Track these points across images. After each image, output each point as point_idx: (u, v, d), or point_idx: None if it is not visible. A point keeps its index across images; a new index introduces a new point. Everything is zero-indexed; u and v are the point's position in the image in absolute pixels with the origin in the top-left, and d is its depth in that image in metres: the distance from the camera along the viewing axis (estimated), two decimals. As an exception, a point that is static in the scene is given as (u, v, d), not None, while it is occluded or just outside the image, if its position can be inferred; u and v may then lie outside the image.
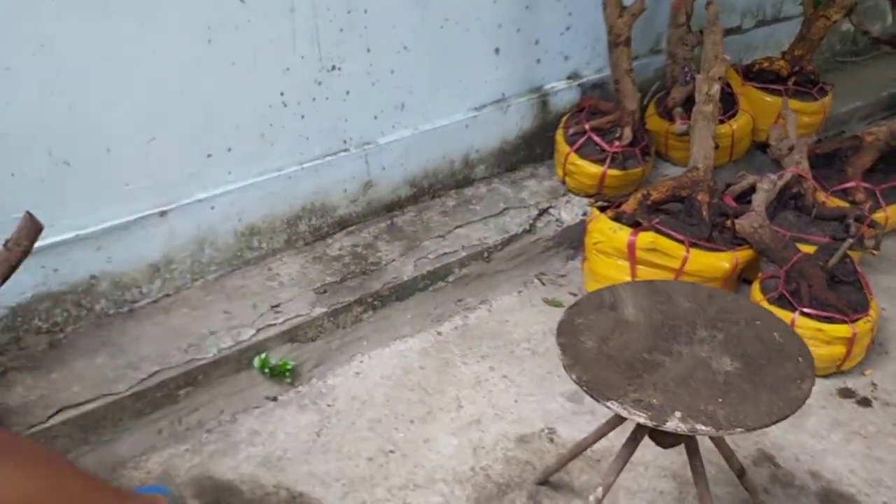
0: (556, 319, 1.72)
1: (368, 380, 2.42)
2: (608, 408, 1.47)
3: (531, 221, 2.89)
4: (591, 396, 1.49)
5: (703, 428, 1.41)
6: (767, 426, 1.43)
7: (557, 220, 2.94)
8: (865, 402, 2.33)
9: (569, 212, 2.96)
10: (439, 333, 2.62)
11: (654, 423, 1.42)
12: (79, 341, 2.23)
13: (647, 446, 1.71)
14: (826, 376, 2.40)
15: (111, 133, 2.18)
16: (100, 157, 2.19)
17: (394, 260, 2.66)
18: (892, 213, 2.97)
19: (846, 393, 2.37)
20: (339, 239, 2.75)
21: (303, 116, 2.54)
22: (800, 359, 1.57)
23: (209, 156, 2.38)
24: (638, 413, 1.44)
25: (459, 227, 2.82)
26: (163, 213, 2.33)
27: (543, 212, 2.95)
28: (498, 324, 2.68)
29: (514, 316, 2.71)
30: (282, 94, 2.47)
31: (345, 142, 2.68)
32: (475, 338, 2.61)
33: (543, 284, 2.87)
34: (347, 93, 2.61)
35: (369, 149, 2.73)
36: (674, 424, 1.41)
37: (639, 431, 1.66)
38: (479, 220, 2.86)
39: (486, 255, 2.76)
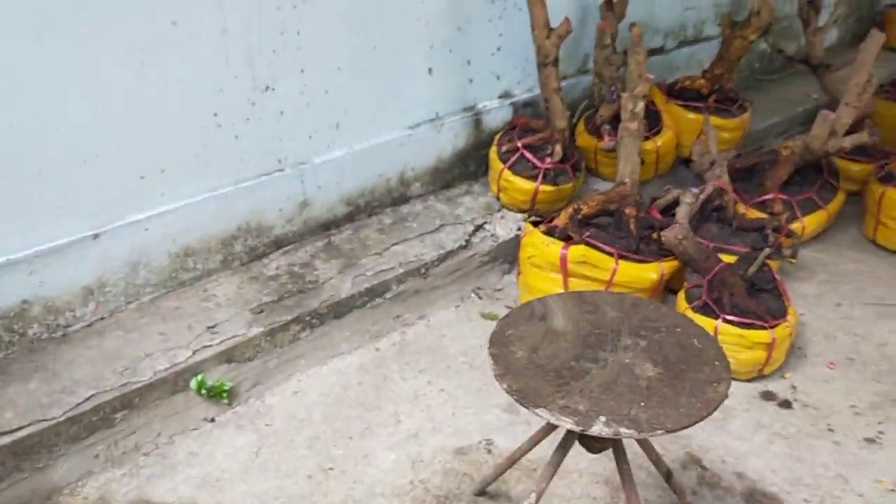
0: (491, 332, 1.77)
1: (307, 398, 2.43)
2: (538, 415, 1.52)
3: (467, 237, 2.95)
4: (522, 405, 1.54)
5: (626, 431, 1.47)
6: (687, 427, 1.50)
7: (493, 235, 3.00)
8: (786, 404, 2.43)
9: (503, 227, 3.03)
10: (377, 350, 2.65)
11: (581, 428, 1.48)
12: (11, 367, 2.20)
13: (580, 454, 1.77)
14: (749, 380, 2.50)
15: (43, 156, 2.16)
16: (32, 181, 2.17)
17: (331, 278, 2.68)
18: (809, 223, 3.13)
19: (768, 396, 2.47)
20: (275, 258, 2.76)
21: (237, 137, 2.56)
22: (716, 363, 1.65)
23: (142, 178, 2.38)
24: (565, 419, 1.50)
25: (396, 244, 2.86)
26: (96, 236, 2.32)
27: (479, 227, 3.01)
28: (435, 338, 2.72)
29: (451, 330, 2.76)
30: (216, 114, 2.48)
31: (280, 161, 2.70)
32: (413, 353, 2.65)
33: (480, 299, 2.93)
34: (282, 113, 2.64)
35: (305, 168, 2.76)
36: (598, 429, 1.48)
37: (568, 437, 1.71)
38: (416, 236, 2.91)
39: (423, 271, 2.80)
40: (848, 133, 3.08)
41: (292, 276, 2.67)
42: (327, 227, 2.90)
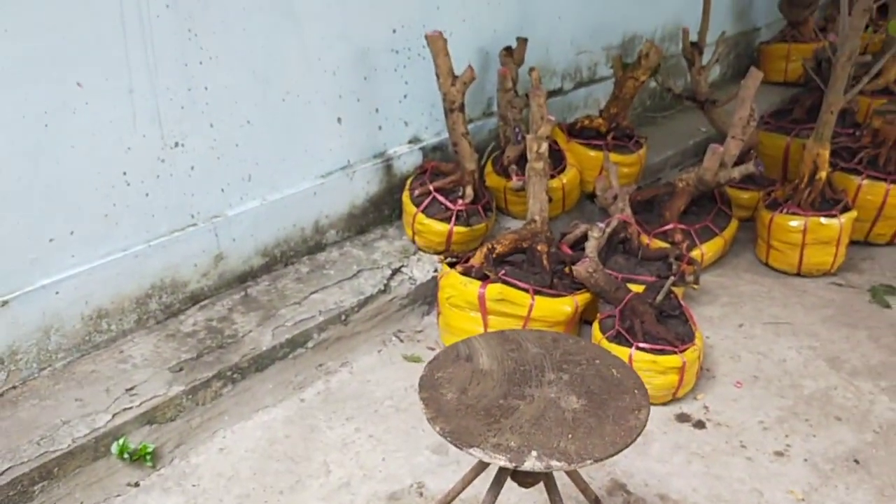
0: (417, 374, 1.81)
1: (233, 454, 2.39)
2: (471, 455, 1.56)
3: (385, 281, 2.99)
4: (455, 446, 1.58)
5: (557, 464, 1.53)
6: (613, 455, 1.57)
7: (410, 278, 3.05)
8: (700, 425, 2.56)
9: (420, 269, 3.08)
10: (302, 400, 2.64)
11: (514, 465, 1.53)
12: (-87, 447, 2.08)
13: (511, 489, 1.82)
14: (664, 404, 2.62)
15: (-58, 224, 2.09)
16: (-70, 250, 2.09)
17: (251, 331, 2.66)
18: (707, 249, 3.31)
19: (683, 418, 2.59)
20: (192, 314, 2.72)
21: (147, 194, 2.53)
22: (635, 391, 1.74)
23: (51, 240, 2.32)
24: (498, 457, 1.54)
25: (315, 292, 2.87)
26: (4, 303, 2.24)
27: (396, 271, 3.05)
28: (360, 384, 2.73)
29: (375, 375, 2.78)
30: (124, 173, 2.45)
31: (192, 216, 2.68)
32: (338, 400, 2.65)
33: (402, 341, 2.96)
34: (192, 168, 2.63)
35: (218, 222, 2.74)
36: (531, 464, 1.53)
37: (501, 474, 1.76)
38: (334, 283, 2.92)
39: (343, 317, 2.81)
40: (736, 164, 3.29)
41: (210, 331, 2.64)
42: (244, 279, 2.88)
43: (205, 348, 2.55)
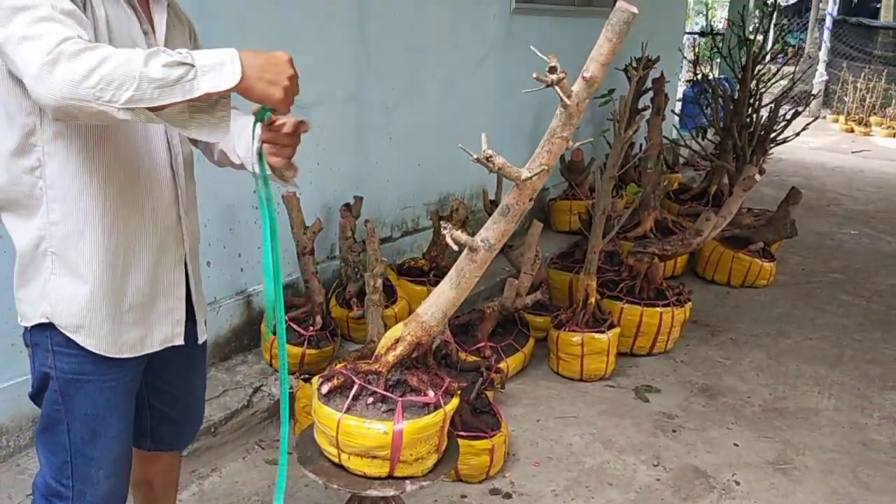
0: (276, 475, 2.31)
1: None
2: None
3: (248, 398, 3.53)
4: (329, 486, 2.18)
5: None
6: None
7: (269, 394, 3.61)
8: (508, 496, 3.25)
9: (278, 387, 3.65)
10: (180, 500, 3.08)
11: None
12: None
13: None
14: (480, 482, 3.29)
15: None
16: None
17: None
18: (511, 362, 4.12)
19: (495, 491, 3.27)
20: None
21: None
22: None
23: (-32, 366, 2.73)
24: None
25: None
26: (-74, 420, 2.60)
27: (257, 389, 3.61)
28: (230, 485, 3.21)
29: (242, 477, 3.27)
30: (31, 309, 2.92)
31: (83, 346, 3.15)
32: (211, 499, 3.11)
33: (263, 448, 3.48)
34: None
35: (105, 350, 3.22)
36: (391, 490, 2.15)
37: (358, 520, 2.35)
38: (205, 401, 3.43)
39: (213, 430, 3.31)
40: (529, 293, 4.19)
41: (97, 444, 3.06)
42: (124, 400, 3.33)
43: (94, 458, 2.96)
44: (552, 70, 1.72)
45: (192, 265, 1.98)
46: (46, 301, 1.76)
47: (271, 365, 3.76)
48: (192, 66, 1.45)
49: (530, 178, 1.89)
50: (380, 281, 3.64)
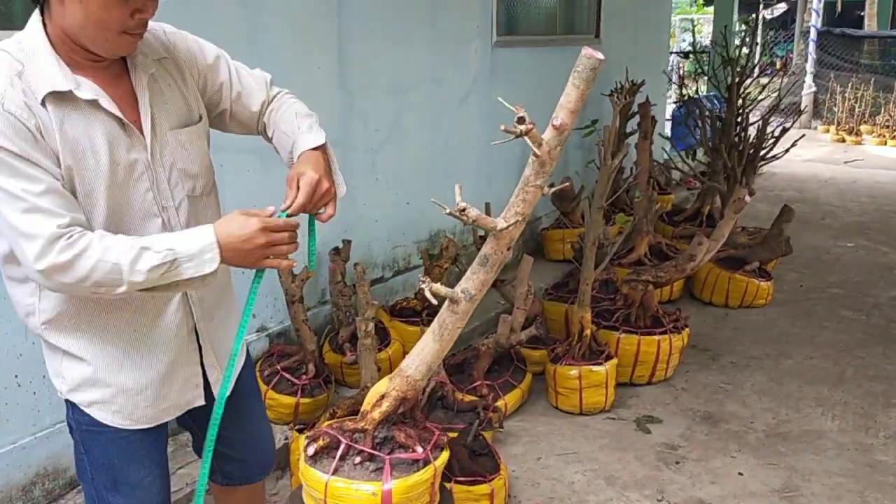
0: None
1: None
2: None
3: (243, 452, 3.47)
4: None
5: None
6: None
7: (264, 447, 3.55)
8: (511, 540, 3.19)
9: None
10: (176, 563, 3.02)
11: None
12: None
13: None
14: (481, 527, 3.24)
15: None
16: None
17: (126, 506, 3.05)
18: (509, 399, 4.07)
19: (497, 536, 3.22)
20: (71, 497, 3.07)
21: (34, 393, 2.96)
22: None
23: (-47, 439, 2.69)
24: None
25: (181, 467, 3.31)
26: (-90, 498, 2.56)
27: (252, 442, 3.55)
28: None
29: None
30: (16, 376, 2.89)
31: (72, 409, 3.11)
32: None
33: (260, 503, 3.42)
34: (73, 367, 3.09)
35: (94, 412, 3.18)
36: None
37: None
38: (199, 460, 3.37)
39: (208, 489, 3.25)
40: (524, 328, 4.15)
41: (89, 510, 3.00)
42: (116, 461, 3.28)
43: (86, 525, 2.91)
44: (521, 120, 1.70)
45: (205, 328, 1.98)
46: (61, 379, 1.90)
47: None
48: (175, 259, 1.62)
49: (506, 227, 1.86)
50: (371, 325, 3.60)
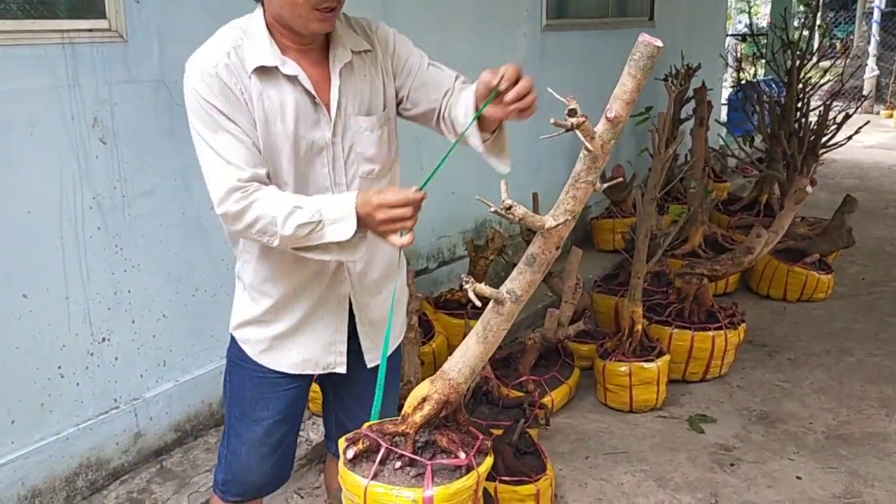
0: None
1: None
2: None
3: (285, 445, 3.43)
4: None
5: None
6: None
7: (307, 440, 3.51)
8: (557, 542, 3.09)
9: (316, 432, 3.56)
10: (217, 557, 2.99)
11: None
12: None
13: None
14: (526, 528, 3.14)
15: None
16: None
17: (168, 499, 3.03)
18: (556, 395, 3.96)
19: (543, 538, 3.12)
20: (114, 489, 3.07)
21: (78, 384, 2.95)
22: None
23: (-4, 430, 2.69)
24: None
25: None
26: (-46, 489, 2.57)
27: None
28: (268, 538, 3.12)
29: (280, 529, 3.18)
30: (59, 367, 2.88)
31: (115, 400, 3.10)
32: (249, 554, 3.02)
33: (302, 497, 3.38)
34: (116, 358, 3.08)
35: (137, 403, 3.17)
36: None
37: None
38: (240, 450, 3.35)
39: (249, 480, 3.23)
40: (572, 322, 4.03)
41: (132, 502, 3.00)
42: (159, 452, 3.27)
43: (128, 517, 2.90)
44: (572, 113, 1.58)
45: (361, 301, 2.13)
46: (233, 315, 2.15)
47: (308, 408, 3.66)
48: (321, 220, 1.78)
49: (555, 226, 1.75)
50: (415, 318, 3.53)
